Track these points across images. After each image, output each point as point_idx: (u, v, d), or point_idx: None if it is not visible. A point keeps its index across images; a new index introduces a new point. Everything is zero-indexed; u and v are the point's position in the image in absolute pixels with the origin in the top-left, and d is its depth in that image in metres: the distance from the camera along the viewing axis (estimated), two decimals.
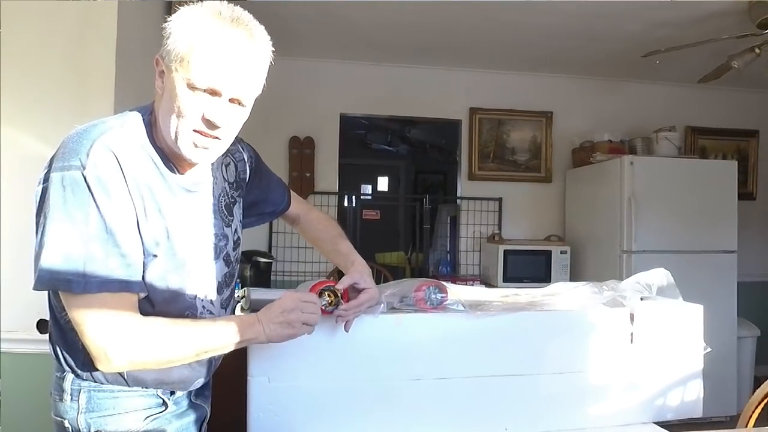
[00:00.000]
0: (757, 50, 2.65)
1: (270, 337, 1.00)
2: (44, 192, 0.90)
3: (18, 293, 1.67)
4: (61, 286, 0.88)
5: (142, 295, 0.94)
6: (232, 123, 0.97)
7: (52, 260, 0.87)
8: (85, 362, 0.96)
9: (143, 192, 0.94)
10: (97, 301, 0.88)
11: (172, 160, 0.99)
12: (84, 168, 0.88)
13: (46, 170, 0.91)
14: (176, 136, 0.94)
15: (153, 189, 0.96)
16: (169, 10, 2.35)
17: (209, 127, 0.94)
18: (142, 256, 0.94)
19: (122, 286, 0.90)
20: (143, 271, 0.94)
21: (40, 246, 0.88)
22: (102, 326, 0.88)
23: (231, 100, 0.95)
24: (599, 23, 3.04)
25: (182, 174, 1.01)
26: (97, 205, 0.88)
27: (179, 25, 0.93)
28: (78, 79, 1.82)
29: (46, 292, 1.00)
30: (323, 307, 1.09)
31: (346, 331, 1.18)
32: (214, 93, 0.93)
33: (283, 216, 1.37)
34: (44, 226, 0.88)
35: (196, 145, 0.95)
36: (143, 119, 0.99)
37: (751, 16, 2.66)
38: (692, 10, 2.79)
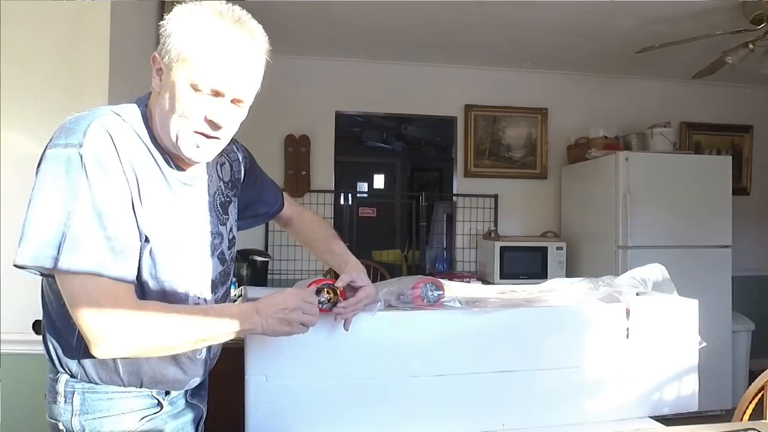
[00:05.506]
0: (750, 46, 2.66)
1: (266, 331, 1.01)
2: (38, 170, 0.89)
3: (14, 294, 1.67)
4: (46, 263, 0.85)
5: (132, 277, 0.92)
6: (232, 123, 0.98)
7: (38, 235, 0.85)
8: (80, 361, 0.96)
9: (139, 178, 0.93)
10: (92, 282, 0.87)
11: (170, 156, 0.99)
12: (81, 146, 0.87)
13: (42, 152, 0.90)
14: (177, 137, 0.94)
15: (148, 177, 0.95)
16: (163, 9, 2.33)
17: (212, 128, 0.95)
18: (136, 241, 0.92)
19: (108, 267, 0.87)
20: (137, 260, 0.93)
21: (25, 220, 0.86)
22: (98, 308, 0.87)
23: (233, 101, 0.96)
24: (593, 20, 3.04)
25: (179, 170, 1.01)
26: (89, 184, 0.87)
27: (180, 25, 0.92)
28: (72, 79, 1.81)
29: (40, 289, 1.00)
30: (322, 306, 1.09)
31: (346, 329, 1.18)
32: (217, 94, 0.93)
33: (276, 218, 1.37)
34: (32, 200, 0.87)
35: (197, 146, 0.96)
36: (140, 111, 0.98)
37: (744, 12, 2.67)
38: (686, 6, 2.79)
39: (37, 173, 0.89)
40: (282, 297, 1.02)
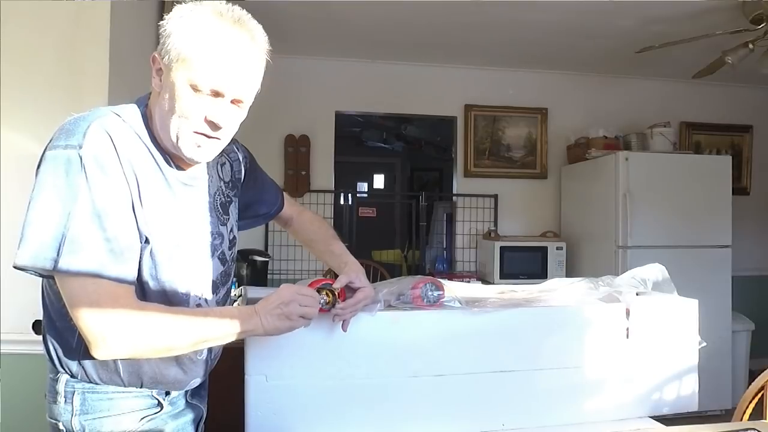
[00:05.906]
0: (750, 45, 2.66)
1: (267, 330, 1.00)
2: (37, 171, 0.89)
3: (14, 294, 1.67)
4: (46, 264, 0.85)
5: (132, 278, 0.92)
6: (232, 123, 0.98)
7: (38, 236, 0.85)
8: (80, 362, 0.96)
9: (139, 178, 0.93)
10: (92, 284, 0.87)
11: (170, 156, 0.99)
12: (80, 147, 0.87)
13: (42, 153, 0.90)
14: (177, 138, 0.94)
15: (148, 178, 0.95)
16: (163, 9, 2.33)
17: (212, 129, 0.95)
18: (136, 242, 0.92)
19: (108, 268, 0.87)
20: (137, 261, 0.93)
21: (25, 221, 0.86)
22: (98, 309, 0.87)
23: (232, 101, 0.96)
24: (593, 20, 3.04)
25: (180, 170, 1.01)
26: (89, 185, 0.87)
27: (180, 25, 0.92)
28: (72, 79, 1.81)
29: (41, 290, 1.00)
30: (320, 306, 1.09)
31: (344, 330, 1.18)
32: (217, 94, 0.93)
33: (276, 218, 1.37)
34: (31, 202, 0.87)
35: (198, 146, 0.96)
36: (140, 111, 0.98)
37: (744, 12, 2.67)
38: (686, 6, 2.79)
39: (36, 174, 0.89)
40: (276, 294, 1.03)
